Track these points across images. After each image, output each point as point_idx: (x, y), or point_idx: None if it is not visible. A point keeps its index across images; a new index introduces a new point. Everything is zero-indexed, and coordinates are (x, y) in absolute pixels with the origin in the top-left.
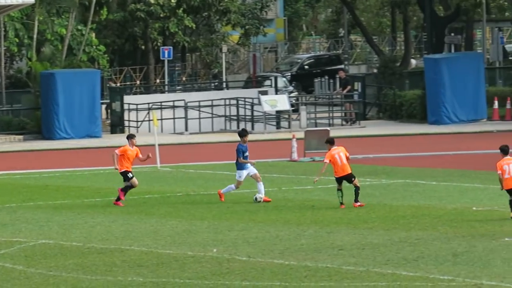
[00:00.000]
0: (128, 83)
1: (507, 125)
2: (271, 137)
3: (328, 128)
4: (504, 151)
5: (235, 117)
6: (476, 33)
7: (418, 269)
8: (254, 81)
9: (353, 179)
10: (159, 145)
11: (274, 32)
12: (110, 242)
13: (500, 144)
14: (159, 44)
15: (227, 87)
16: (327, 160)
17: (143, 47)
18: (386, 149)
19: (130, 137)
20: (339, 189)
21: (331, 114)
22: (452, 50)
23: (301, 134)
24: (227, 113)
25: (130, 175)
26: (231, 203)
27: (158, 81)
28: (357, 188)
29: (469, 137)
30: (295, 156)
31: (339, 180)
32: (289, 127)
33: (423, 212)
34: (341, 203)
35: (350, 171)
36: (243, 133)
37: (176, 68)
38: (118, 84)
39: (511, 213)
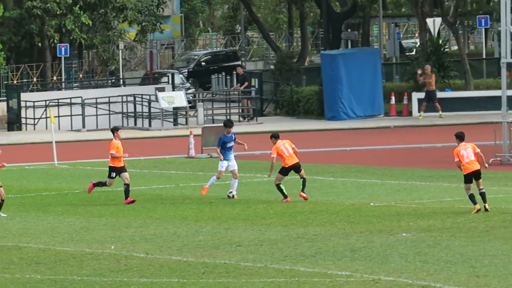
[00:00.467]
0: (25, 80)
1: (404, 121)
2: (168, 133)
3: None
4: (460, 137)
5: (132, 114)
6: (372, 29)
7: (316, 264)
8: (151, 78)
9: (300, 168)
10: (56, 142)
11: (171, 29)
12: (8, 240)
13: (397, 139)
14: (56, 41)
15: (124, 84)
16: (274, 155)
17: (39, 44)
18: None
19: (115, 129)
20: (279, 184)
21: (228, 111)
22: (349, 46)
23: (198, 131)
24: (124, 110)
25: (113, 175)
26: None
27: (55, 78)
28: (304, 180)
29: (366, 132)
30: (192, 152)
31: (287, 170)
32: (187, 123)
33: (321, 208)
34: (286, 196)
35: (298, 161)
36: (226, 124)
37: (73, 65)
38: (15, 82)
39: (475, 207)
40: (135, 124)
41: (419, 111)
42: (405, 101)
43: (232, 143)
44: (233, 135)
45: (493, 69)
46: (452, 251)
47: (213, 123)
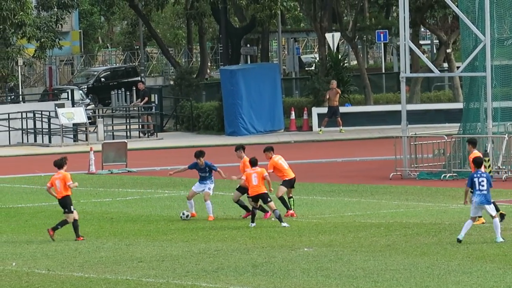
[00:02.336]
0: None
1: (304, 136)
2: (68, 150)
3: (126, 141)
4: (473, 143)
5: (32, 130)
6: (272, 44)
7: (218, 280)
8: (51, 94)
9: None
10: None
11: (70, 45)
12: None
13: (298, 154)
14: None
15: (24, 100)
16: (271, 170)
17: None
18: (184, 160)
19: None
20: (281, 196)
21: (128, 126)
22: (249, 61)
23: (98, 147)
24: (24, 126)
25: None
26: (29, 216)
27: None
28: (291, 198)
29: None
30: (93, 168)
31: (290, 183)
32: (87, 139)
33: (222, 224)
34: (289, 208)
35: (295, 175)
36: (197, 154)
37: None
38: None
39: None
40: (35, 140)
41: (319, 126)
42: (305, 116)
43: (205, 174)
44: (206, 167)
45: (393, 84)
46: (354, 266)
47: (113, 139)
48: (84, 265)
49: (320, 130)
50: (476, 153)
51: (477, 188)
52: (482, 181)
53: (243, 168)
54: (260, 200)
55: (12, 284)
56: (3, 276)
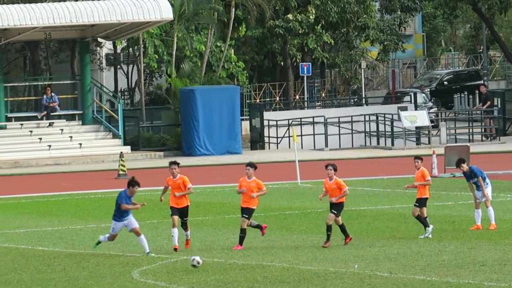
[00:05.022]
0: (267, 99)
1: None
2: (411, 153)
3: (468, 144)
4: None
5: (374, 133)
6: None
7: None
8: (394, 97)
9: None
10: (299, 161)
11: (413, 48)
12: (252, 258)
13: None
14: (298, 60)
15: (366, 103)
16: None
17: (282, 63)
18: None
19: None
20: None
21: (471, 130)
22: None
23: (441, 150)
24: (367, 129)
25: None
26: (371, 219)
27: (297, 97)
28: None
29: None
30: (435, 172)
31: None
32: (429, 143)
33: None
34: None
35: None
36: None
37: (316, 84)
38: (258, 101)
39: None
40: (378, 143)
41: None
42: None
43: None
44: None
45: None
46: None
47: (455, 142)
48: (426, 268)
49: None
50: None
51: None
52: None
53: None
54: None
55: (355, 286)
56: (346, 278)
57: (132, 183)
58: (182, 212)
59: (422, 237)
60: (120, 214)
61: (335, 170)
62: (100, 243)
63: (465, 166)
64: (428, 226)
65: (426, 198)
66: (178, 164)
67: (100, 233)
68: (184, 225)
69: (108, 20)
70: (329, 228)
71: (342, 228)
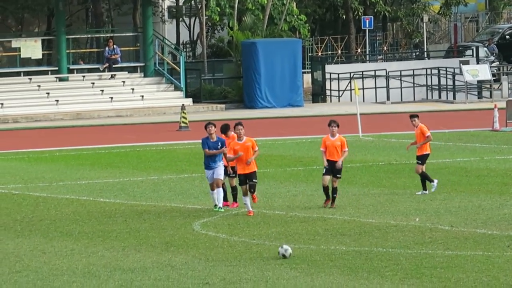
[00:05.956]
0: (329, 52)
1: None
2: (472, 106)
3: None
4: None
5: (436, 87)
6: None
7: None
8: (455, 51)
9: None
10: (361, 114)
11: (475, 2)
12: (313, 211)
13: None
14: (360, 13)
15: (428, 57)
16: None
17: (344, 16)
18: None
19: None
20: None
21: None
22: None
23: (503, 104)
24: (429, 83)
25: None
26: (432, 173)
27: (359, 50)
28: None
29: None
30: (497, 125)
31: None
32: (491, 96)
33: None
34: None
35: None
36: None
37: (377, 38)
38: (320, 54)
39: None
40: (439, 97)
41: None
42: None
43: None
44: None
45: None
46: None
47: None
48: (487, 222)
49: None
50: None
51: None
52: None
53: None
54: None
55: (416, 239)
56: (407, 232)
57: (207, 125)
58: (249, 176)
59: (419, 194)
60: (207, 162)
61: (338, 126)
62: (216, 206)
63: None
64: (433, 181)
65: (428, 154)
66: (243, 125)
67: (161, 185)
68: (252, 192)
69: None
70: (325, 189)
71: (332, 191)
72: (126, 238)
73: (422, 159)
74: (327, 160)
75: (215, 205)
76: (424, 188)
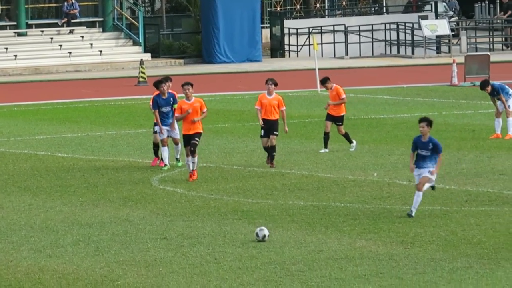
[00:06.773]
0: (288, 7)
1: None
2: (431, 61)
3: (488, 53)
4: None
5: (395, 42)
6: None
7: None
8: (414, 6)
9: None
10: (319, 69)
11: None
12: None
13: None
14: None
15: (387, 12)
16: None
17: None
18: None
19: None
20: None
21: (491, 39)
22: None
23: (461, 59)
24: (387, 38)
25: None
26: (391, 127)
27: (318, 5)
28: None
29: None
30: (455, 80)
31: None
32: (449, 52)
33: None
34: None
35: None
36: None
37: None
38: (278, 9)
39: None
40: (398, 52)
41: None
42: None
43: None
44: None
45: None
46: None
47: (476, 51)
48: (445, 177)
49: None
50: None
51: None
52: None
53: None
54: None
55: (374, 193)
56: (364, 186)
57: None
58: (193, 137)
59: (352, 150)
60: (161, 117)
61: (276, 85)
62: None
63: (489, 89)
64: (352, 142)
65: (343, 115)
66: (192, 85)
67: (119, 139)
68: (192, 151)
69: None
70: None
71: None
72: (84, 193)
73: (341, 120)
74: (263, 119)
75: (177, 159)
76: (351, 141)
